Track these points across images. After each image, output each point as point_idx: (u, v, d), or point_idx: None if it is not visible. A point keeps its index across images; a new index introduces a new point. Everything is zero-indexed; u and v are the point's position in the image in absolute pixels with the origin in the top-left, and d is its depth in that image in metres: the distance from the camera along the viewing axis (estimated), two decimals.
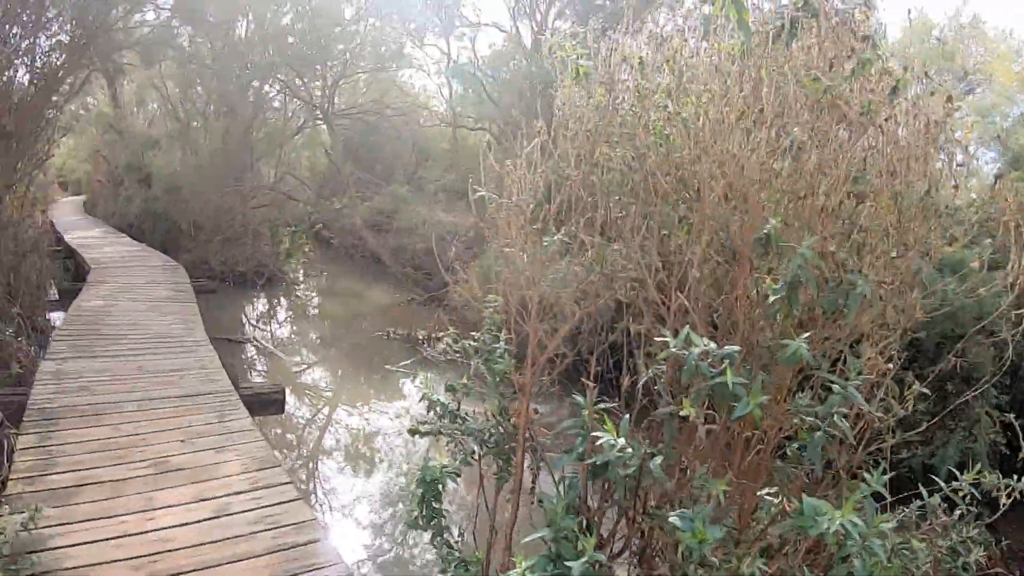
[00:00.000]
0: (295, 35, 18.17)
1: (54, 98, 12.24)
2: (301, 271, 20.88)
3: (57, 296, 14.10)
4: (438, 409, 4.45)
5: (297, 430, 10.23)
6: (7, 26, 10.30)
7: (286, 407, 8.43)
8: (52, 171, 36.37)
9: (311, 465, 9.34)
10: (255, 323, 16.44)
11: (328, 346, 14.22)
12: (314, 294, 19.37)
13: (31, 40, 10.87)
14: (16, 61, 10.87)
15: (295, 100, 20.96)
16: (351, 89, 23.01)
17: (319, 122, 22.56)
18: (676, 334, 2.97)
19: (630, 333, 3.90)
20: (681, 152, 3.72)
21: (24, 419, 6.10)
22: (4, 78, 10.97)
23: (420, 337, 13.34)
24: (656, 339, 3.14)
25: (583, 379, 3.49)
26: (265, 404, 7.72)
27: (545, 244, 3.78)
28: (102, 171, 27.46)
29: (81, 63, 12.11)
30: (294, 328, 16.14)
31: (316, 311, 17.58)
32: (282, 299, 18.45)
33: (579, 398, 3.36)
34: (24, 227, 13.08)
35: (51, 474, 5.03)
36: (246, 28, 19.19)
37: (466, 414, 4.46)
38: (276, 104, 21.97)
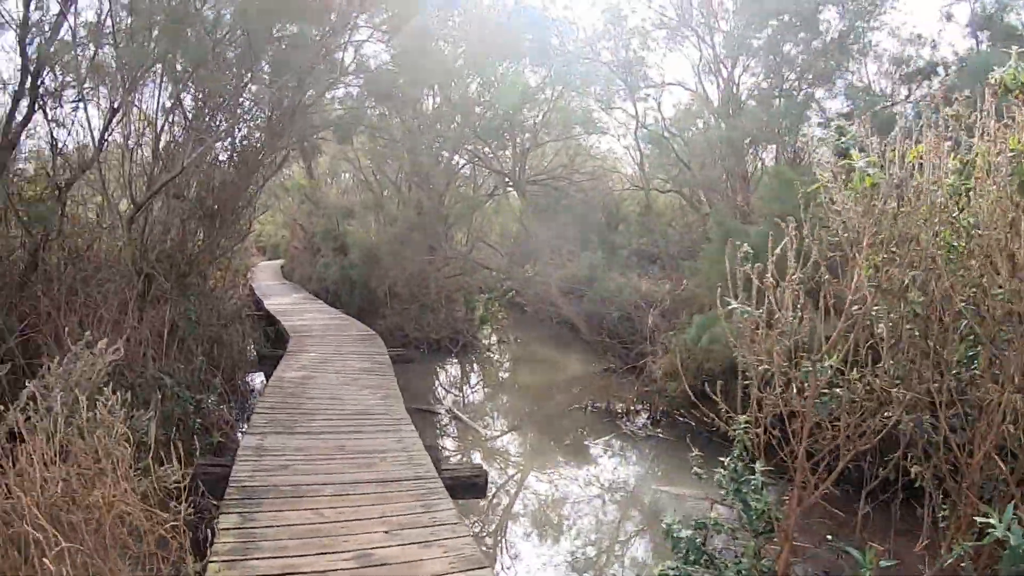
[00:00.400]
0: (482, 106, 18.39)
1: (254, 176, 12.77)
2: (494, 337, 20.90)
3: (256, 359, 14.56)
4: (683, 546, 3.85)
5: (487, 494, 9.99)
6: (211, 114, 10.78)
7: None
8: (251, 236, 38.52)
9: (498, 528, 9.11)
10: (448, 390, 16.41)
11: (521, 415, 13.90)
12: (507, 361, 19.21)
13: (231, 126, 11.32)
14: (218, 145, 11.38)
15: (485, 168, 21.16)
16: (539, 155, 22.99)
17: (509, 189, 22.68)
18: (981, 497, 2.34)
19: (912, 477, 3.28)
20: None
21: (225, 496, 6.05)
22: (208, 160, 11.52)
23: (618, 410, 12.84)
24: (964, 509, 2.51)
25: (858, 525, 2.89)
26: (467, 488, 7.39)
27: (812, 369, 3.24)
28: (299, 238, 28.60)
29: (278, 145, 12.53)
30: (487, 396, 15.95)
31: (509, 379, 17.38)
32: (475, 366, 18.42)
33: (854, 553, 2.75)
34: (227, 298, 13.62)
35: (252, 559, 4.87)
36: (433, 101, 19.69)
37: (715, 551, 3.87)
38: (466, 173, 22.37)
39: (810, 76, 14.77)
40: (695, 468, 4.48)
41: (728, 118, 16.05)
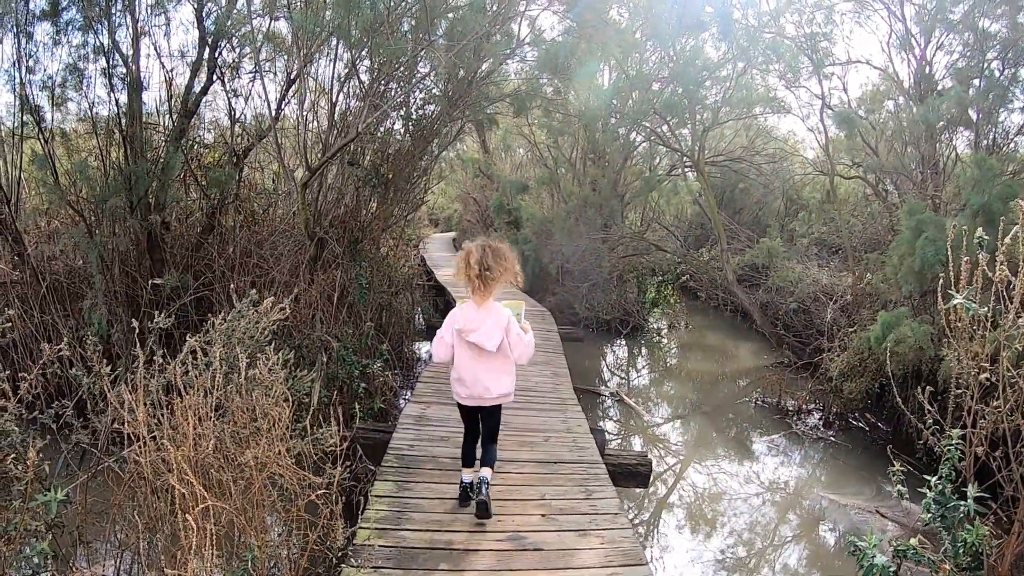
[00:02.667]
0: (660, 82, 17.73)
1: (428, 146, 12.72)
2: (665, 322, 20.35)
3: (424, 328, 14.63)
4: (875, 574, 3.33)
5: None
6: (385, 82, 10.74)
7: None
8: (424, 208, 39.22)
9: (652, 517, 8.88)
10: (614, 372, 16.04)
11: (686, 404, 13.39)
12: (676, 347, 18.62)
13: (406, 95, 11.26)
14: (392, 114, 11.33)
15: (661, 147, 20.49)
16: (718, 135, 22.07)
17: (686, 169, 21.90)
18: None
19: None
20: None
21: (383, 463, 6.02)
22: (383, 129, 11.51)
23: (789, 408, 12.15)
24: None
25: None
26: (629, 476, 7.06)
27: None
28: (472, 212, 28.84)
29: (454, 115, 12.41)
30: (653, 381, 15.49)
31: (677, 365, 16.80)
32: (643, 350, 17.95)
33: None
34: (398, 267, 13.72)
35: (403, 528, 4.81)
36: (609, 76, 19.24)
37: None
38: (642, 151, 21.73)
39: (1010, 55, 13.39)
40: (898, 487, 3.91)
41: (920, 100, 14.83)
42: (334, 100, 10.58)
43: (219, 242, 10.74)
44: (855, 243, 16.91)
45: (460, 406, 5.24)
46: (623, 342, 18.09)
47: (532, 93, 13.87)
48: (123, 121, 9.93)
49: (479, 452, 5.29)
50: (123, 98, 9.96)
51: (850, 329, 12.35)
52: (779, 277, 16.36)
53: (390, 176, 11.49)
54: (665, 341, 19.06)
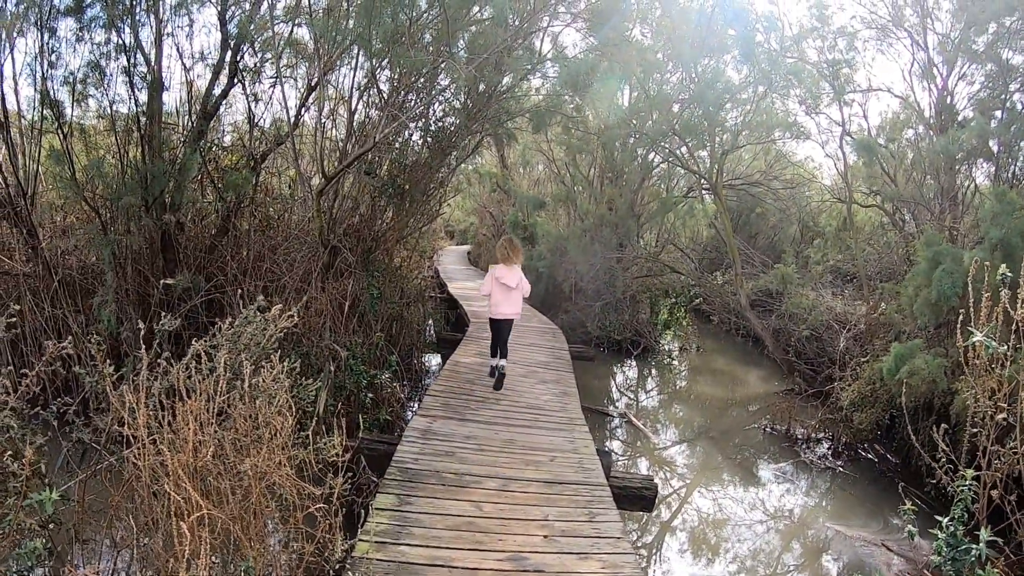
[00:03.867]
0: (680, 103, 17.67)
1: (446, 159, 12.74)
2: (676, 344, 20.22)
3: (436, 340, 14.57)
4: None
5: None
6: (404, 93, 10.75)
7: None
8: (440, 220, 39.14)
9: (655, 541, 8.72)
10: (624, 392, 15.95)
11: (694, 427, 13.26)
12: (687, 370, 18.46)
13: (425, 107, 11.25)
14: (412, 125, 11.33)
15: (679, 168, 20.41)
16: (735, 159, 21.98)
17: (704, 192, 21.79)
18: None
19: None
20: None
21: (386, 476, 5.96)
22: (400, 140, 11.50)
23: (798, 435, 12.01)
24: None
25: None
26: (634, 499, 6.98)
27: None
28: (488, 226, 28.84)
29: (472, 128, 12.40)
30: (662, 403, 15.36)
31: (687, 388, 16.67)
32: (654, 371, 17.82)
33: None
34: (411, 278, 13.74)
35: (403, 543, 4.75)
36: (630, 95, 19.15)
37: None
38: (659, 172, 21.68)
39: None
40: (908, 527, 3.82)
41: (941, 130, 14.72)
42: (353, 108, 10.63)
43: (233, 245, 10.73)
44: (870, 272, 16.78)
45: (492, 320, 9.64)
46: (633, 363, 17.97)
47: (552, 109, 13.82)
48: (142, 120, 9.95)
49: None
50: (143, 97, 9.99)
51: (863, 359, 12.22)
52: (792, 303, 16.22)
53: (406, 187, 11.47)
54: (676, 363, 18.92)
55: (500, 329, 9.47)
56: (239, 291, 8.34)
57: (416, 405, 10.06)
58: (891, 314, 12.56)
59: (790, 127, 18.22)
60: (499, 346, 9.58)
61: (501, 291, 9.23)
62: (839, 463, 11.18)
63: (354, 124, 10.65)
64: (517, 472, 6.38)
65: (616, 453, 10.95)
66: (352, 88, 10.58)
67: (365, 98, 10.90)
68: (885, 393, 10.74)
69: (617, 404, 14.21)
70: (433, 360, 14.53)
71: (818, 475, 10.88)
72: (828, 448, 11.73)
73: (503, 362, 9.52)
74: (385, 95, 10.70)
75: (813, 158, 26.92)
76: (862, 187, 18.76)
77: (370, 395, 9.06)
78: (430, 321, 15.10)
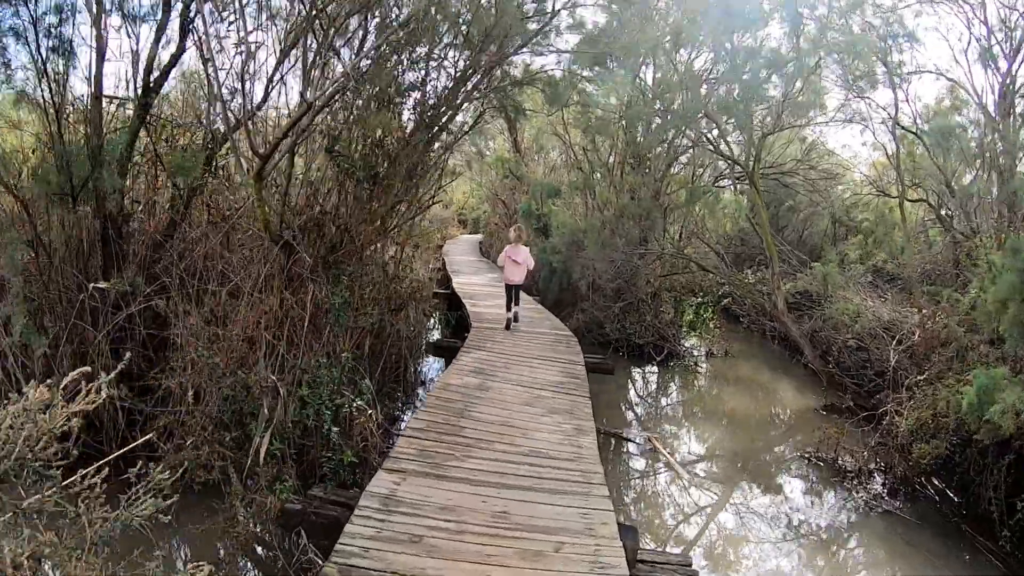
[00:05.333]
0: (710, 83, 15.92)
1: (437, 137, 10.98)
2: (702, 348, 18.32)
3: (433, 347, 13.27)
4: None
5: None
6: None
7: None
8: (453, 208, 38.58)
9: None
10: (644, 403, 14.17)
11: (728, 455, 11.46)
12: (714, 378, 16.51)
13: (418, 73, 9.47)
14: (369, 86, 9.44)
15: (708, 155, 18.50)
16: (766, 146, 19.82)
17: (738, 181, 19.91)
18: None
19: None
20: None
21: (332, 555, 4.50)
22: (360, 104, 9.63)
23: (847, 466, 10.31)
24: None
25: None
26: None
27: None
28: (500, 215, 27.32)
29: (471, 95, 10.58)
30: (688, 419, 13.54)
31: (714, 400, 14.80)
32: (678, 379, 15.96)
33: None
34: (401, 278, 12.19)
35: None
36: (654, 74, 17.36)
37: None
38: (685, 159, 19.81)
39: None
40: None
41: (1003, 118, 12.96)
42: (309, 67, 8.44)
43: (181, 242, 8.90)
44: (914, 274, 14.99)
45: (506, 285, 12.81)
46: (655, 369, 16.15)
47: (569, 82, 12.13)
48: (57, 93, 8.15)
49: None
50: (60, 67, 8.18)
51: (918, 376, 10.46)
52: (839, 309, 14.32)
53: (380, 168, 9.56)
54: (702, 371, 16.95)
55: (511, 290, 12.93)
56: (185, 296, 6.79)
57: (408, 416, 8.36)
58: (952, 327, 10.73)
59: (830, 111, 16.38)
60: (511, 302, 13.02)
61: (511, 265, 12.49)
62: (896, 503, 9.38)
63: (309, 88, 8.49)
64: (510, 573, 4.63)
65: (636, 478, 9.21)
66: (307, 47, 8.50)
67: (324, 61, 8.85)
68: (951, 422, 8.98)
69: (640, 420, 12.61)
70: (434, 366, 13.39)
71: (876, 518, 9.08)
72: (882, 484, 9.92)
73: (516, 310, 13.16)
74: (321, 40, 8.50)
75: (849, 146, 24.83)
76: (907, 179, 16.84)
77: (335, 429, 7.35)
78: (433, 320, 13.63)
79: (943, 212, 15.73)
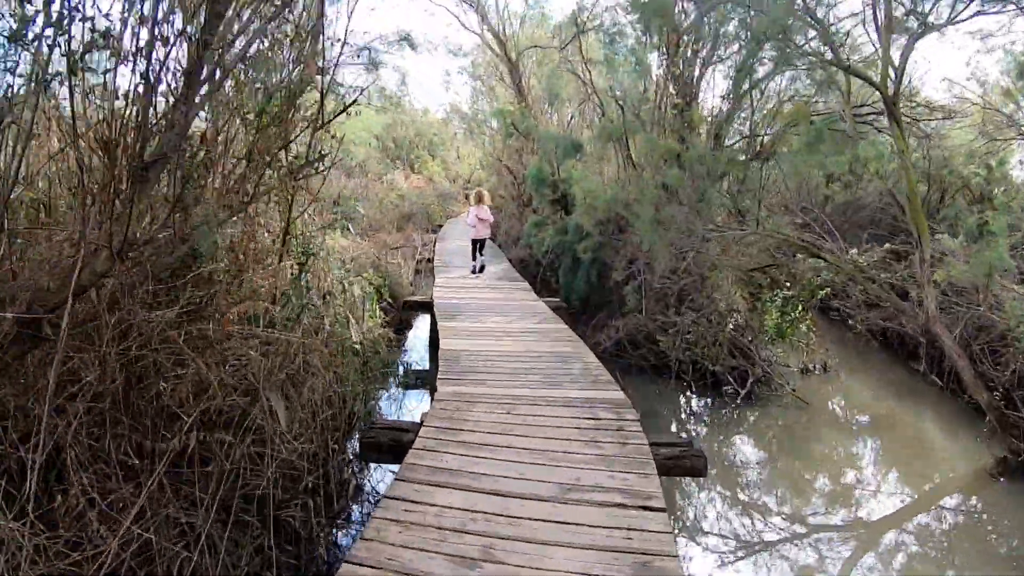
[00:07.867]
0: None
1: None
2: (796, 363, 12.40)
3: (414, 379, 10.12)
4: None
5: None
6: None
7: None
8: (460, 182, 37.89)
9: None
10: (731, 485, 8.73)
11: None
12: (819, 413, 10.85)
13: None
14: None
15: (806, 80, 12.64)
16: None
17: (857, 120, 13.13)
18: None
19: None
20: None
21: None
22: None
23: None
24: None
25: None
26: None
27: None
28: (506, 185, 22.74)
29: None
30: (780, 495, 8.30)
31: (827, 458, 9.44)
32: (780, 424, 10.44)
33: None
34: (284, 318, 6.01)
35: None
36: None
37: None
38: (769, 88, 13.43)
39: None
40: None
41: None
42: None
43: None
44: None
45: (472, 240, 15.47)
46: (736, 412, 10.60)
47: None
48: None
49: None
50: None
51: None
52: (1015, 313, 8.92)
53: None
54: (805, 409, 10.67)
55: (475, 244, 15.45)
56: None
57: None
58: None
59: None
60: (476, 252, 15.52)
61: (477, 222, 14.92)
62: None
63: None
64: None
65: None
66: None
67: None
68: None
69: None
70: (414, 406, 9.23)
71: None
72: None
73: (481, 260, 15.67)
74: None
75: (951, 80, 18.78)
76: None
77: None
78: (364, 392, 7.63)
79: None
